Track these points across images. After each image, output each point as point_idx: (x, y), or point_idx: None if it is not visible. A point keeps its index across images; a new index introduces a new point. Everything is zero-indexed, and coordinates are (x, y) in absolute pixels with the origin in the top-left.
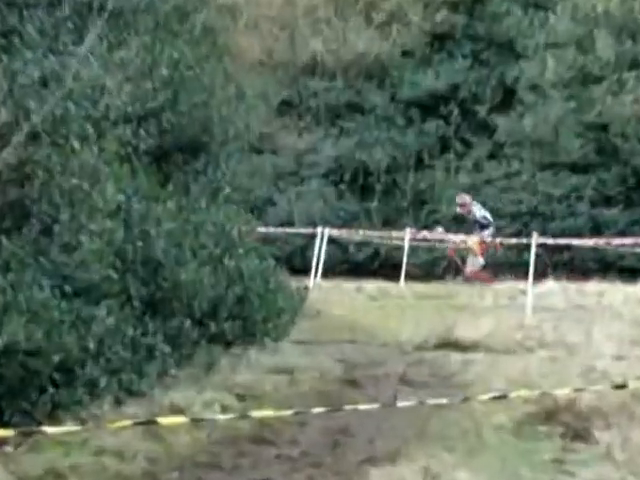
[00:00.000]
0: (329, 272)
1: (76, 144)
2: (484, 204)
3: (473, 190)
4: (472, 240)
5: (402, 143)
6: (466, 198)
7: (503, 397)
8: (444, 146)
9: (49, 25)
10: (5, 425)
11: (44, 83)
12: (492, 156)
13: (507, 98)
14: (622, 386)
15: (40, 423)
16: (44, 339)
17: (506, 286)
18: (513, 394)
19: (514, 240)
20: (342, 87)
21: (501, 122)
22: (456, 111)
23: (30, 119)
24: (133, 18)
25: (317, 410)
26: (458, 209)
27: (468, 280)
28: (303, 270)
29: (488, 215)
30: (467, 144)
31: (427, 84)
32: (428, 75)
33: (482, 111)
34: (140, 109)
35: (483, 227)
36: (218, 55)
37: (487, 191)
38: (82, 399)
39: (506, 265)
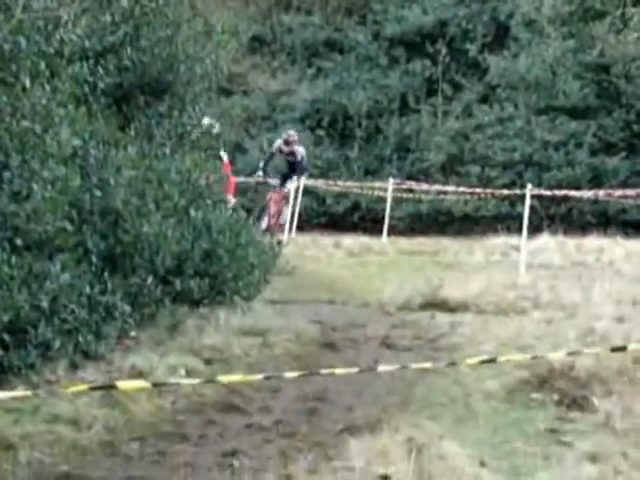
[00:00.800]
0: (305, 226)
1: (27, 83)
2: (474, 151)
3: (462, 136)
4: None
5: (385, 85)
6: (295, 135)
7: (493, 361)
8: (431, 88)
9: None
10: None
11: None
12: (483, 99)
13: (500, 36)
14: (622, 348)
15: None
16: None
17: (498, 241)
18: (504, 358)
19: (506, 191)
20: (320, 23)
21: (493, 62)
22: (444, 50)
23: None
24: None
25: (290, 375)
26: (282, 145)
27: (269, 229)
28: None
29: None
30: (456, 86)
31: (413, 20)
32: (414, 10)
33: (473, 50)
34: (98, 44)
35: (303, 171)
36: None
37: (477, 137)
38: (34, 362)
39: (498, 218)
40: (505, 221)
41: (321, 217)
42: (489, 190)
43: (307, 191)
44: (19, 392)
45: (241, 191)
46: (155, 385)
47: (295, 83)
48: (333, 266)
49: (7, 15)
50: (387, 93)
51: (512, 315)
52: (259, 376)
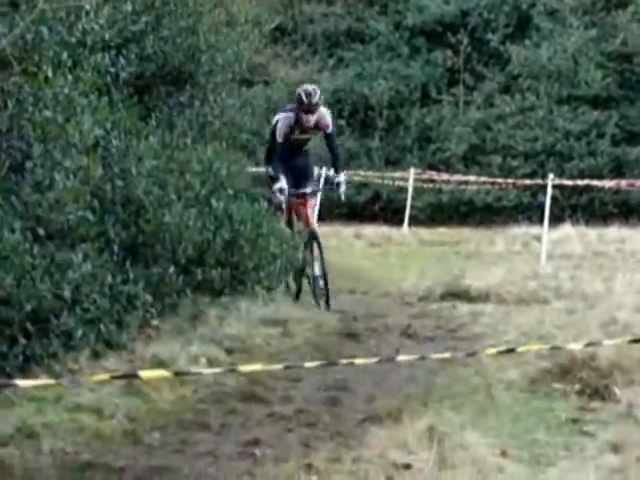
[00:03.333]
0: (326, 216)
1: (49, 72)
2: (496, 141)
3: (483, 126)
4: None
5: (406, 75)
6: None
7: (513, 351)
8: (452, 78)
9: None
10: None
11: (14, 4)
12: (505, 89)
13: (522, 25)
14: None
15: (11, 377)
16: (15, 286)
17: (519, 231)
18: (524, 348)
19: (528, 181)
20: (341, 13)
21: (515, 52)
22: (466, 40)
23: None
24: None
25: (311, 364)
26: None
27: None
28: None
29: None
30: (478, 76)
31: (434, 10)
32: (436, 0)
33: (494, 40)
34: (120, 34)
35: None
36: None
37: (499, 127)
38: (57, 351)
39: (519, 208)
40: (526, 211)
41: (342, 207)
42: (510, 180)
43: (327, 181)
44: (42, 381)
45: (262, 182)
46: (177, 374)
47: (316, 73)
48: (354, 256)
49: (30, 5)
50: (408, 83)
51: (533, 305)
52: (280, 366)
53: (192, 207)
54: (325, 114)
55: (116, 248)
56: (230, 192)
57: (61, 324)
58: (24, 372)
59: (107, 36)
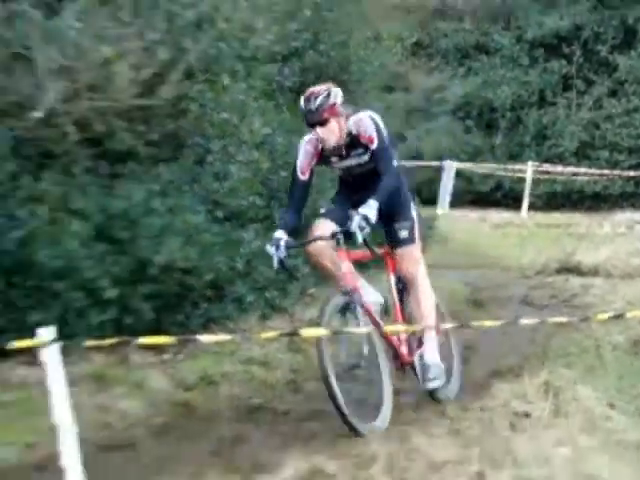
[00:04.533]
0: (456, 203)
1: (227, 81)
2: (604, 138)
3: (593, 125)
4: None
5: (526, 81)
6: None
7: (621, 317)
8: (566, 84)
9: None
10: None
11: (199, 25)
12: (612, 93)
13: (628, 38)
14: None
15: (195, 333)
16: (198, 259)
17: (623, 217)
18: (630, 314)
19: (632, 173)
20: (470, 29)
21: (622, 61)
22: (578, 51)
23: (186, 58)
24: None
25: (447, 326)
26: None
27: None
28: (431, 200)
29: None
30: (588, 82)
31: (551, 25)
32: (552, 16)
33: (603, 50)
34: (284, 49)
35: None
36: None
37: (607, 126)
38: (231, 313)
39: (624, 196)
40: (630, 199)
41: (469, 195)
42: (616, 172)
43: (458, 174)
44: (220, 337)
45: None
46: (334, 333)
47: (448, 81)
48: (480, 237)
49: (212, 25)
50: (527, 89)
51: (637, 278)
52: (417, 327)
53: None
54: (362, 123)
55: None
56: None
57: (235, 291)
58: (205, 330)
59: (274, 50)
